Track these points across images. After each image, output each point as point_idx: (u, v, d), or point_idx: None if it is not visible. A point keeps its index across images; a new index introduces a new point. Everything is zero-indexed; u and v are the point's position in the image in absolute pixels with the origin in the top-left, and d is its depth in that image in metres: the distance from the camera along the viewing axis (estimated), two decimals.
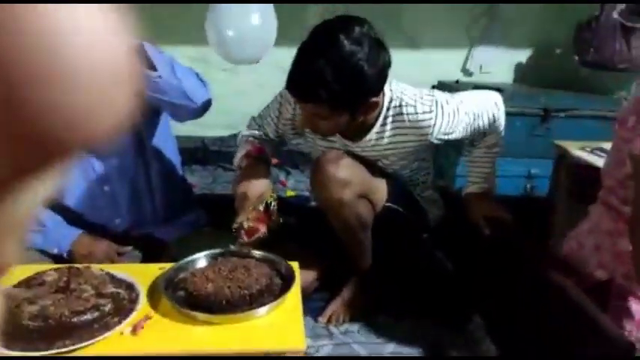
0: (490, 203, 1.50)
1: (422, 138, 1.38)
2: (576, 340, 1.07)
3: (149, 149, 1.47)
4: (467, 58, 2.94)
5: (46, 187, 0.19)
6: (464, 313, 1.51)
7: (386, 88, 1.34)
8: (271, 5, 2.05)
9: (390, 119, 1.37)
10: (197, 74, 1.36)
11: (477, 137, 1.47)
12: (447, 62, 2.91)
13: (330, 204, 1.38)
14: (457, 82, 2.82)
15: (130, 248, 1.48)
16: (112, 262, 1.41)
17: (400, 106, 1.35)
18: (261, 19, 1.99)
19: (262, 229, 1.29)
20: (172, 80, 1.26)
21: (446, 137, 1.38)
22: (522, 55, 2.96)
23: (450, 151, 2.45)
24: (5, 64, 0.16)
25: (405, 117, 1.35)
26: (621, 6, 2.33)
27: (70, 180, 1.42)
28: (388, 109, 1.37)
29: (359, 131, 1.39)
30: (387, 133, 1.39)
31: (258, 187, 1.32)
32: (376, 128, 1.38)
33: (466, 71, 2.97)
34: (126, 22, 0.18)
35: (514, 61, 2.97)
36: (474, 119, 1.39)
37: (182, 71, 1.29)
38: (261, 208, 1.30)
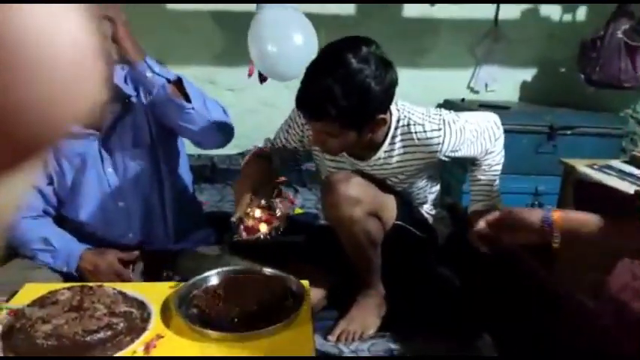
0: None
1: (430, 155, 1.40)
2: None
3: (164, 168, 1.50)
4: (472, 77, 2.97)
5: (22, 180, 0.20)
6: (473, 330, 1.50)
7: (393, 107, 1.37)
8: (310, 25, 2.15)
9: (398, 138, 1.39)
10: (222, 107, 1.43)
11: (479, 155, 1.49)
12: (453, 81, 2.94)
13: (341, 222, 1.40)
14: (463, 100, 2.84)
15: (137, 253, 1.49)
16: (118, 274, 1.42)
17: (408, 125, 1.38)
18: (304, 38, 2.09)
19: (263, 229, 1.25)
20: (203, 112, 1.33)
21: (453, 154, 1.40)
22: (527, 74, 2.99)
23: (456, 168, 2.46)
24: None
25: (414, 135, 1.38)
26: (625, 25, 2.35)
27: (86, 195, 1.45)
28: (396, 128, 1.39)
29: (367, 150, 1.41)
30: (396, 152, 1.40)
31: (256, 179, 1.30)
32: (385, 147, 1.40)
33: (472, 89, 2.99)
34: (89, 18, 0.19)
35: (519, 80, 2.99)
36: (477, 137, 1.42)
37: (211, 104, 1.36)
38: (263, 202, 1.26)
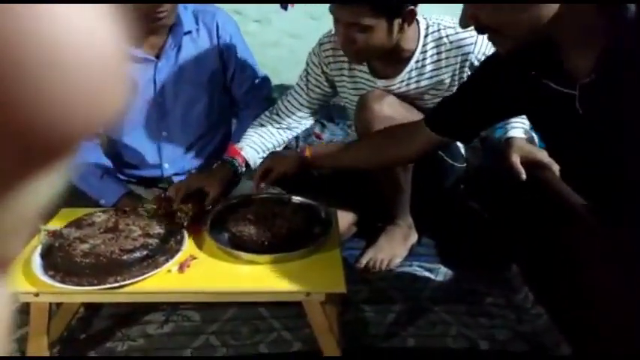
0: (532, 147, 1.47)
1: (463, 59, 1.37)
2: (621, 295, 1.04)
3: (214, 108, 1.54)
4: None
5: (49, 183, 0.19)
6: (501, 261, 1.50)
7: (420, 17, 1.35)
8: None
9: (429, 45, 1.37)
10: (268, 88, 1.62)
11: None
12: None
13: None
14: None
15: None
16: None
17: (439, 30, 1.36)
18: None
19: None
20: None
21: None
22: None
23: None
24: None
25: (445, 39, 1.36)
26: None
27: (133, 119, 1.48)
28: (426, 35, 1.37)
29: (397, 64, 1.38)
30: (428, 60, 1.38)
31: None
32: (416, 56, 1.38)
33: None
34: (116, 19, 0.18)
35: None
36: None
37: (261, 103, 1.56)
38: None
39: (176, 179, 1.54)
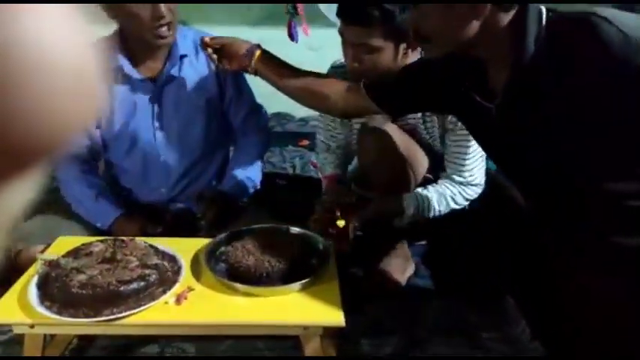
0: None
1: None
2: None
3: (212, 132, 1.55)
4: None
5: (24, 189, 0.19)
6: (497, 293, 1.50)
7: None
8: None
9: None
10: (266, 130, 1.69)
11: (461, 166, 1.41)
12: None
13: (373, 170, 1.43)
14: None
15: (160, 229, 1.49)
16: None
17: None
18: None
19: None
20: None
21: (452, 126, 1.38)
22: None
23: None
24: None
25: None
26: None
27: (131, 142, 1.48)
28: None
29: None
30: None
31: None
32: None
33: None
34: (87, 22, 0.19)
35: None
36: (470, 147, 1.38)
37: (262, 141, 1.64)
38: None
39: (172, 205, 1.55)
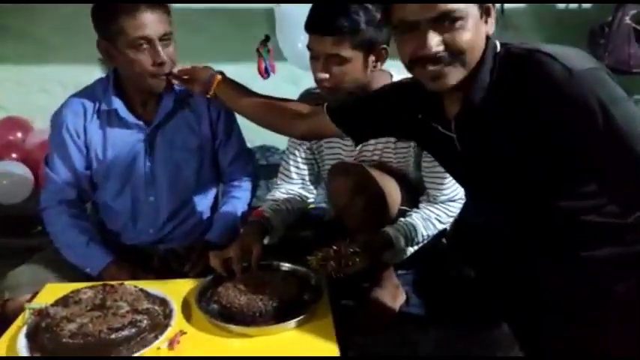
0: None
1: None
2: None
3: (203, 174, 1.56)
4: None
5: None
6: (490, 320, 1.50)
7: (394, 73, 1.42)
8: None
9: None
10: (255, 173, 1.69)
11: (440, 186, 1.43)
12: None
13: (346, 211, 1.40)
14: None
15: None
16: None
17: None
18: None
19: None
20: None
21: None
22: None
23: None
24: None
25: None
26: (633, 11, 2.34)
27: (121, 183, 1.49)
28: None
29: None
30: None
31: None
32: None
33: None
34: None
35: None
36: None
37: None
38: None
39: (161, 246, 1.54)
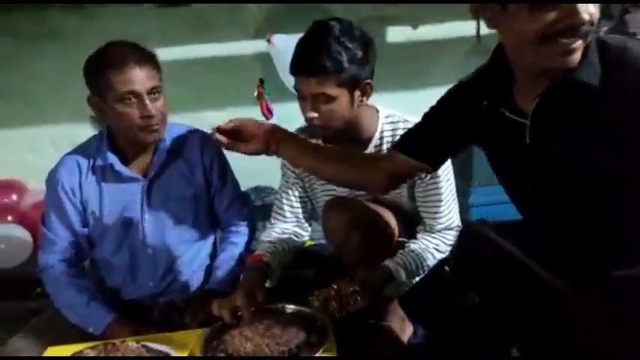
0: None
1: None
2: None
3: (199, 224, 1.56)
4: None
5: None
6: (500, 347, 1.48)
7: (380, 107, 1.46)
8: None
9: (387, 132, 1.44)
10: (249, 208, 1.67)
11: (437, 214, 1.45)
12: None
13: (343, 247, 1.40)
14: None
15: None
16: None
17: (397, 122, 1.45)
18: None
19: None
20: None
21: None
22: None
23: (459, 182, 2.46)
24: None
25: (402, 124, 1.44)
26: (605, 27, 2.41)
27: (118, 237, 1.48)
28: (384, 123, 1.45)
29: (360, 148, 1.44)
30: (384, 147, 1.44)
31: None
32: (374, 141, 1.44)
33: None
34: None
35: None
36: (447, 192, 1.44)
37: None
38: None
39: (161, 299, 1.53)
